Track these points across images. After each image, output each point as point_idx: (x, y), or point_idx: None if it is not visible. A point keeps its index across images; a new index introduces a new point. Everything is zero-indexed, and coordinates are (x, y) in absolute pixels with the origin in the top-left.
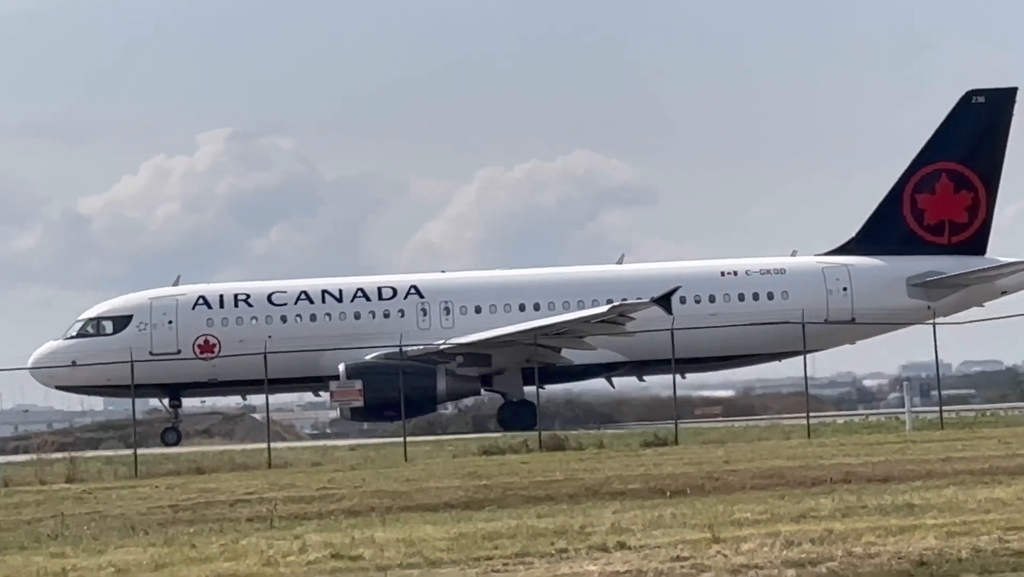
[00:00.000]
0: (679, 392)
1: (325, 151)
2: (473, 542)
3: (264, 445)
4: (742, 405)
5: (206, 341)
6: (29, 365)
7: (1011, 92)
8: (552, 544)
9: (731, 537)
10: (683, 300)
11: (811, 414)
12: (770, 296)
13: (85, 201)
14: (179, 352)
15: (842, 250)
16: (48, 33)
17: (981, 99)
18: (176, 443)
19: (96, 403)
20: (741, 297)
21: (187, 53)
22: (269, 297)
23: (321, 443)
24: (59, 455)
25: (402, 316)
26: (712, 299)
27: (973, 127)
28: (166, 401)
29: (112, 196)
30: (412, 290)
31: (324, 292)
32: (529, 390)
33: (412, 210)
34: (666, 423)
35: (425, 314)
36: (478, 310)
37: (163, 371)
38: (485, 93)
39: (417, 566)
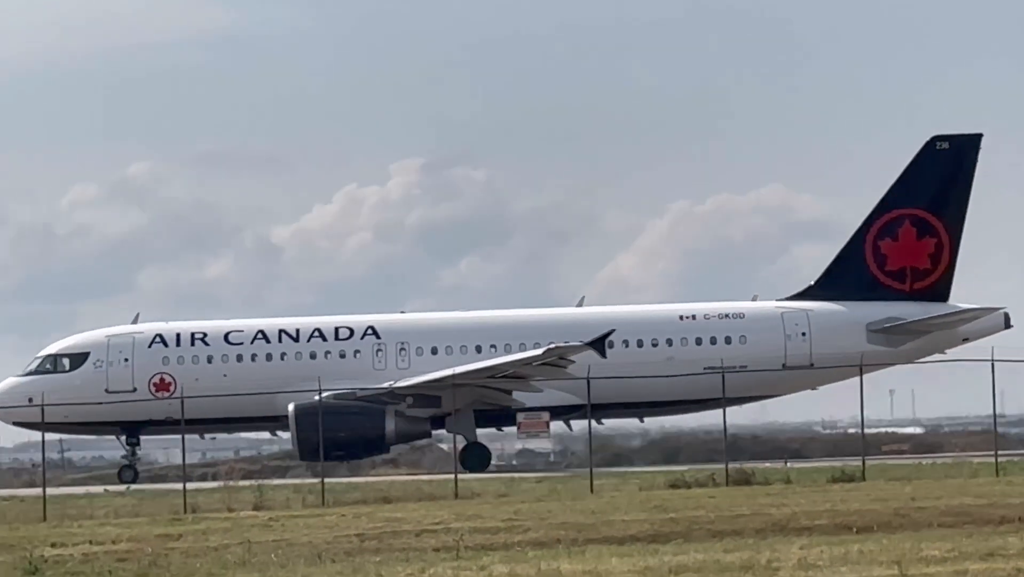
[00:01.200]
0: (867, 430)
1: (516, 182)
2: (659, 575)
3: (451, 475)
4: (930, 442)
5: (162, 379)
6: None
7: (976, 138)
8: None
9: (919, 574)
10: (640, 344)
11: (999, 452)
12: (727, 340)
13: (277, 230)
14: (135, 390)
15: (803, 295)
16: (242, 61)
17: (945, 145)
18: (133, 481)
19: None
20: (699, 341)
21: (380, 82)
22: (226, 336)
23: (507, 474)
24: (246, 482)
25: (357, 356)
26: (670, 343)
27: (937, 173)
28: (123, 439)
29: (303, 225)
30: (369, 331)
31: (281, 331)
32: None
33: (603, 242)
34: (853, 459)
35: (380, 354)
36: (434, 351)
37: (120, 409)
38: (677, 126)
39: None
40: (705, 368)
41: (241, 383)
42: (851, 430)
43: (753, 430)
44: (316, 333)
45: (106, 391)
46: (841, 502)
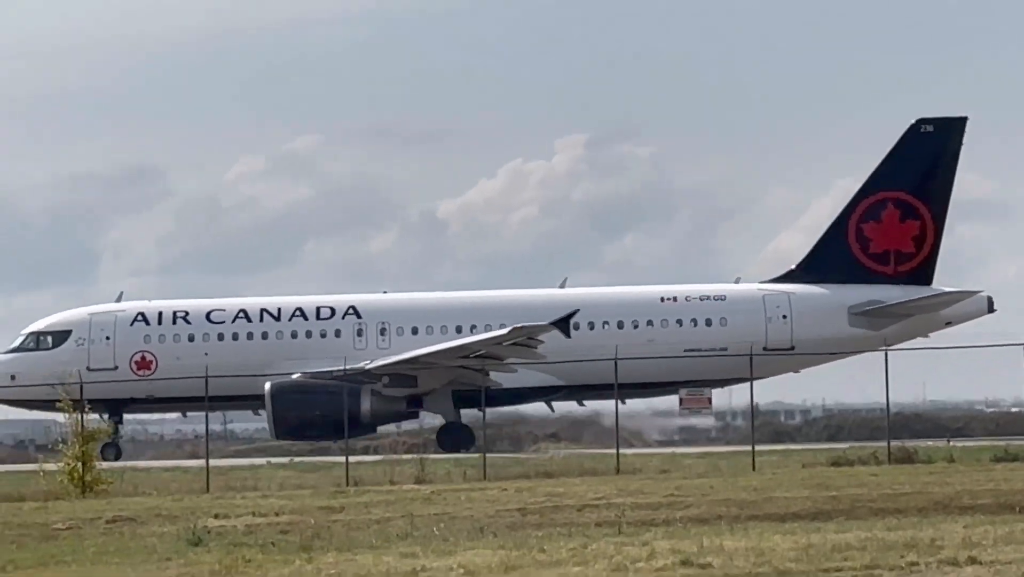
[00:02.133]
0: None
1: (680, 158)
2: (822, 553)
3: (612, 450)
4: None
5: (143, 357)
6: None
7: (961, 121)
8: (902, 557)
9: None
10: (620, 325)
11: None
12: (708, 323)
13: (442, 204)
14: (116, 368)
15: (786, 278)
16: (407, 36)
17: (930, 128)
18: (116, 459)
19: None
20: (680, 323)
21: (546, 58)
22: (207, 315)
23: (669, 450)
24: (408, 456)
25: (338, 336)
26: (650, 324)
27: (921, 156)
28: (106, 417)
29: (468, 200)
30: (350, 310)
31: (263, 310)
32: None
33: (767, 219)
34: (1016, 439)
35: (361, 334)
36: (415, 331)
37: (101, 387)
38: (843, 103)
39: (766, 576)
40: (685, 350)
41: (222, 362)
42: (1014, 409)
43: (916, 408)
44: (298, 312)
45: (88, 369)
46: (1004, 481)
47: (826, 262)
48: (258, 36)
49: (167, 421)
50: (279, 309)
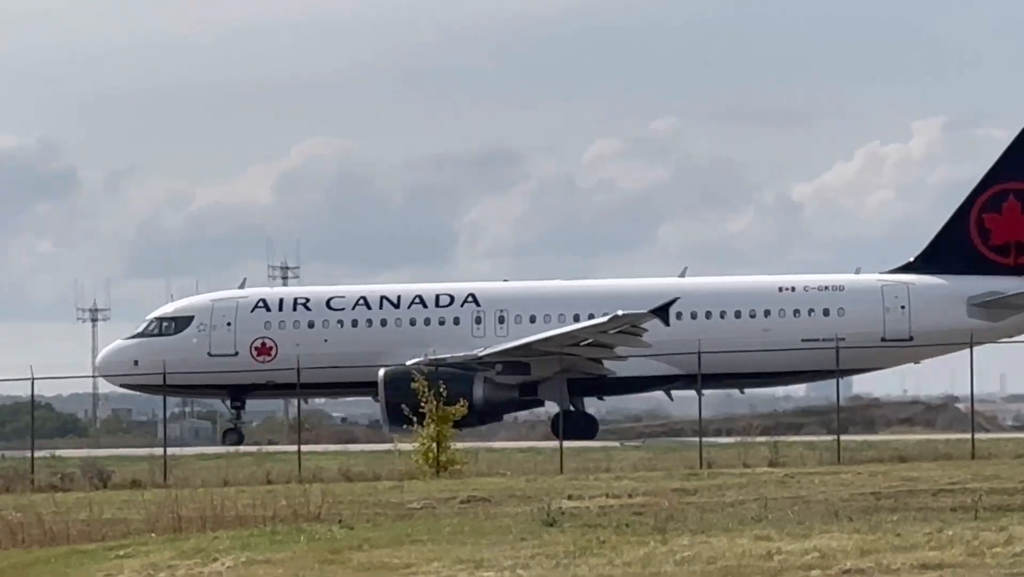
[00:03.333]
0: None
1: None
2: None
3: (967, 435)
4: None
5: (263, 344)
6: (97, 362)
7: None
8: None
9: None
10: (738, 315)
11: None
12: (826, 312)
13: (797, 187)
14: (236, 354)
15: (906, 268)
16: (760, 15)
17: None
18: (238, 443)
19: (798, 388)
20: (796, 313)
21: (907, 39)
22: (328, 302)
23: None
24: (762, 439)
25: (456, 324)
26: (767, 314)
27: None
28: (228, 402)
29: (824, 182)
30: (469, 298)
31: (382, 298)
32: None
33: None
34: None
35: (479, 322)
36: (532, 319)
37: (224, 374)
38: None
39: None
40: (802, 340)
41: (341, 348)
42: None
43: None
44: (417, 300)
45: (208, 355)
46: None
47: (946, 253)
48: (616, 20)
49: None
50: (399, 296)
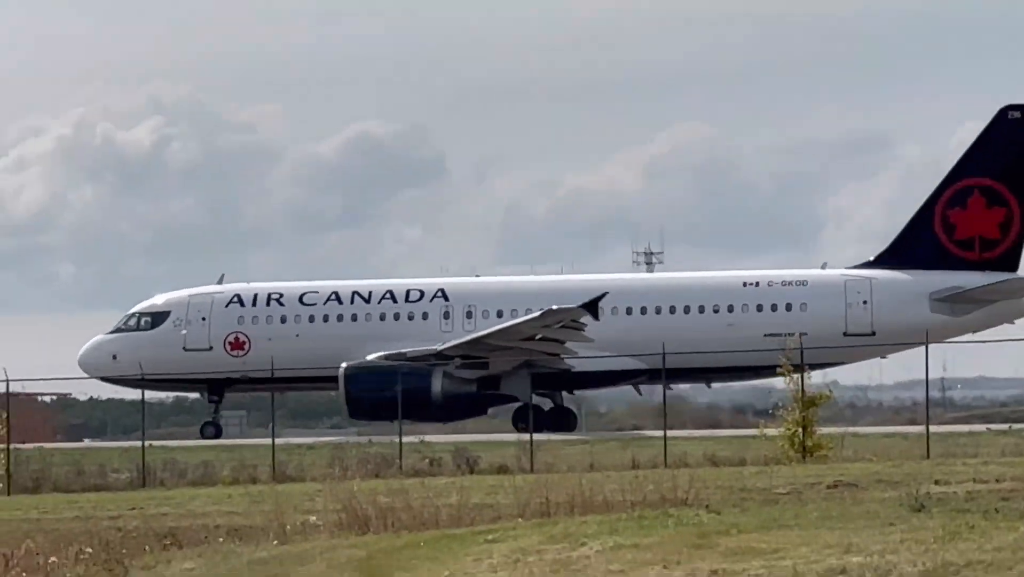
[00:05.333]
0: None
1: None
2: None
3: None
4: None
5: (236, 339)
6: (78, 357)
7: None
8: None
9: None
10: (701, 310)
11: None
12: (788, 308)
13: None
14: (211, 349)
15: (872, 264)
16: None
17: (1017, 114)
18: (215, 437)
19: None
20: (759, 308)
21: None
22: (301, 297)
23: None
24: None
25: (425, 319)
26: (731, 309)
27: (1008, 143)
28: (206, 396)
29: None
30: (439, 293)
31: (354, 293)
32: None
33: None
34: None
35: (447, 317)
36: (499, 314)
37: (201, 368)
38: None
39: None
40: (765, 335)
41: (313, 343)
42: None
43: None
44: (387, 295)
45: (184, 349)
46: None
47: (912, 248)
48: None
49: (885, 388)
50: (370, 292)
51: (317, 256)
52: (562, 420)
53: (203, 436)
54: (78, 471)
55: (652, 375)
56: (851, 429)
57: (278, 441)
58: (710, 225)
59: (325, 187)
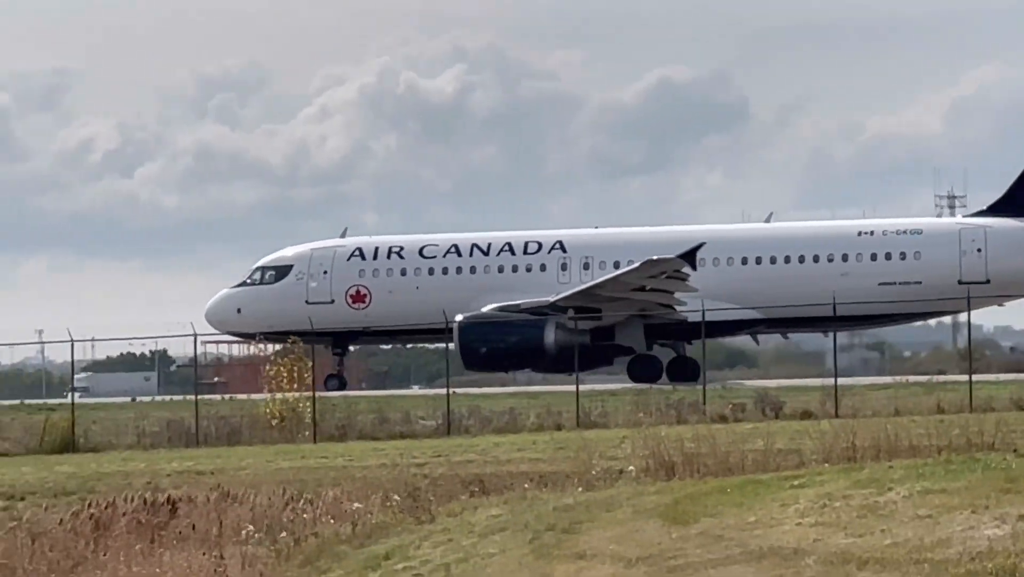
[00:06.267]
0: None
1: None
2: None
3: None
4: None
5: (358, 292)
6: (205, 311)
7: None
8: None
9: None
10: (816, 259)
11: None
12: (902, 256)
13: None
14: (332, 302)
15: (987, 212)
16: None
17: None
18: (340, 389)
19: None
20: (874, 257)
21: None
22: (420, 250)
23: None
24: None
25: (543, 270)
26: (845, 258)
27: None
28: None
29: None
30: (557, 245)
31: (473, 246)
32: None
33: None
34: None
35: (565, 269)
36: (616, 265)
37: (327, 321)
38: None
39: None
40: (879, 284)
41: (432, 295)
42: None
43: None
44: (506, 247)
45: (306, 302)
46: None
47: None
48: None
49: None
50: (489, 244)
51: (617, 202)
52: (684, 370)
53: (327, 388)
54: (383, 419)
55: (769, 324)
56: None
57: (582, 388)
58: (1015, 169)
59: (627, 134)
